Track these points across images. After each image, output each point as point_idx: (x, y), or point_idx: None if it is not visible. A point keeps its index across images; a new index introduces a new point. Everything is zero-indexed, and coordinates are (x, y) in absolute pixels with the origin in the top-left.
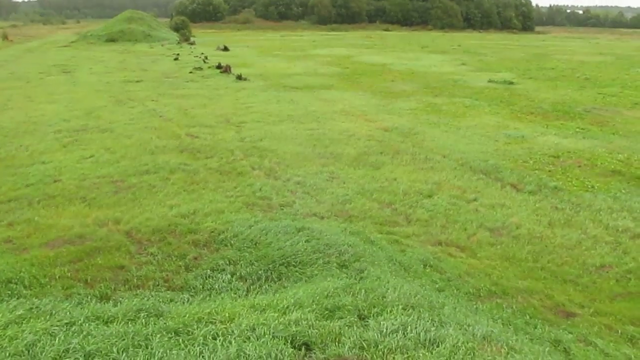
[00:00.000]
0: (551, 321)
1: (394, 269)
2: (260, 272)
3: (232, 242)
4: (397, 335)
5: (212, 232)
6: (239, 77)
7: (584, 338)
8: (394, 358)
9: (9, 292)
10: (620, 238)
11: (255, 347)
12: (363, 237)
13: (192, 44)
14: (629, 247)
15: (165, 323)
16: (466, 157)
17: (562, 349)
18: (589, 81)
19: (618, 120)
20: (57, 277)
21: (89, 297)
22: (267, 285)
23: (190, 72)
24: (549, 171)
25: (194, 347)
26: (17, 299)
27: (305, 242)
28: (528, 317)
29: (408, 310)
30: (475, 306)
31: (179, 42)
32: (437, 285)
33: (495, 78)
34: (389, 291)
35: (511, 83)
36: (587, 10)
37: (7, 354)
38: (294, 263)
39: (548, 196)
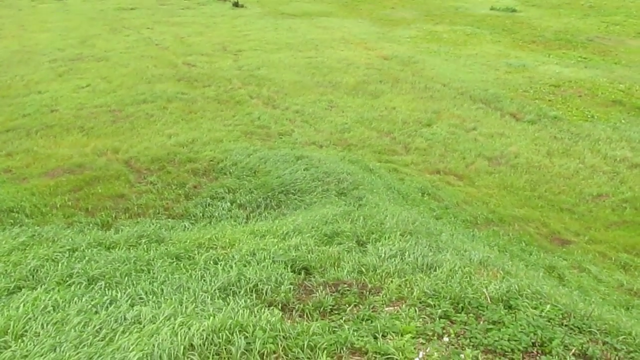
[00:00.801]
0: (546, 248)
1: (392, 196)
2: (259, 200)
3: (231, 170)
4: (395, 260)
5: (211, 160)
6: (236, 4)
7: (578, 265)
8: (391, 281)
9: (11, 221)
10: (617, 168)
11: (256, 271)
12: (362, 165)
13: None
14: (626, 176)
15: (166, 249)
16: (466, 86)
17: (557, 275)
18: (593, 9)
19: (621, 49)
20: (58, 206)
21: (91, 225)
22: (266, 213)
23: None
24: (549, 101)
25: (195, 271)
26: (20, 227)
27: (304, 170)
28: (524, 244)
29: (406, 237)
30: (472, 233)
31: None
32: (435, 213)
33: (497, 5)
34: (387, 218)
35: (514, 11)
36: None
37: (12, 279)
38: (293, 191)
39: (547, 126)
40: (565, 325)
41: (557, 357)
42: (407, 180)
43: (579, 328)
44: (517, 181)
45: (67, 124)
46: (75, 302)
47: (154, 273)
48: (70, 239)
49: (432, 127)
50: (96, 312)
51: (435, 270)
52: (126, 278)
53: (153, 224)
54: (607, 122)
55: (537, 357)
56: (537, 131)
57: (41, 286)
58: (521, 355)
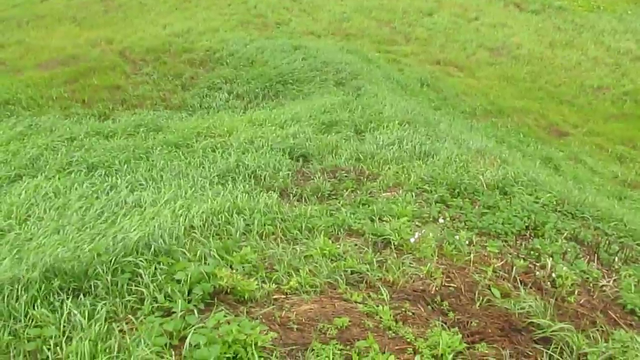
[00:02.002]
0: (544, 140)
1: (391, 87)
2: (257, 90)
3: (228, 60)
4: (392, 148)
5: (207, 51)
6: None
7: (574, 156)
8: (389, 168)
9: (8, 113)
10: (620, 60)
11: (254, 157)
12: (361, 55)
13: None
14: (629, 69)
15: (164, 137)
16: None
17: (553, 166)
18: None
19: None
20: (54, 97)
21: (88, 116)
22: (264, 103)
23: None
24: None
25: (194, 158)
26: (17, 118)
27: (302, 60)
28: (522, 135)
29: (404, 126)
30: (470, 124)
31: None
32: (433, 104)
33: None
34: (385, 107)
35: None
36: None
37: (12, 167)
38: (291, 81)
39: (551, 16)
40: (559, 211)
41: (549, 239)
42: (407, 71)
43: (572, 214)
44: (518, 72)
45: (59, 14)
46: (76, 189)
47: (152, 160)
48: (68, 129)
49: (433, 16)
50: (97, 198)
51: (432, 158)
52: (125, 165)
53: (150, 115)
54: (612, 13)
55: (530, 240)
56: (541, 22)
57: (41, 174)
58: (514, 237)
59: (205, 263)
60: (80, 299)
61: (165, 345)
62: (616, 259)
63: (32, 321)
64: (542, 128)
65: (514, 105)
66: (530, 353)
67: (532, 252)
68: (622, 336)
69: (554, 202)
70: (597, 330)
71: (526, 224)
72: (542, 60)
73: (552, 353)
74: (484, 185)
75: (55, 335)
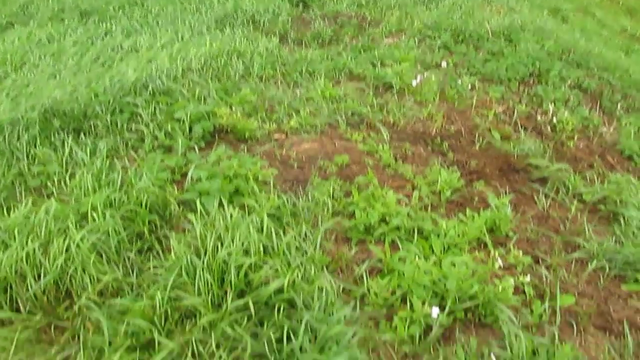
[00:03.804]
0: None
1: None
2: None
3: None
4: None
5: None
6: None
7: (583, 8)
8: (391, 14)
9: None
10: None
11: (252, 2)
12: None
13: None
14: None
15: None
16: None
17: (560, 17)
18: None
19: None
20: None
21: None
22: None
23: None
24: None
25: (190, 4)
26: None
27: None
28: None
29: None
30: None
31: None
32: None
33: None
34: None
35: None
36: None
37: (3, 15)
38: None
39: None
40: (564, 60)
41: (552, 86)
42: None
43: (577, 63)
44: None
45: None
46: (70, 35)
47: (147, 6)
48: None
49: None
50: (92, 44)
51: (436, 4)
52: (120, 11)
53: None
54: None
55: (533, 86)
56: None
57: (33, 22)
58: (517, 84)
59: (204, 103)
60: (81, 138)
61: (167, 180)
62: (618, 107)
63: (34, 160)
64: None
65: None
66: (527, 191)
67: (534, 98)
68: (618, 178)
69: (560, 51)
70: (594, 173)
71: (530, 71)
72: None
73: (548, 192)
74: (489, 32)
75: (58, 172)
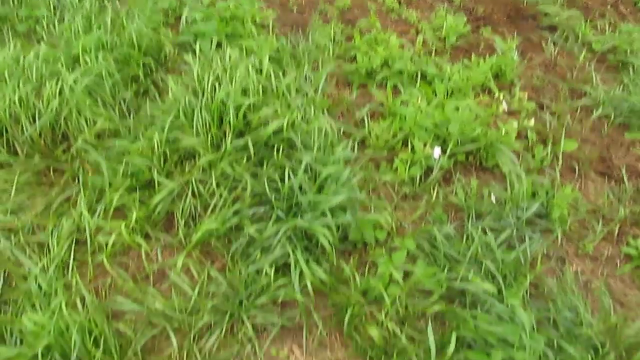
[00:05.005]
0: None
1: None
2: None
3: None
4: None
5: None
6: None
7: None
8: None
9: None
10: None
11: None
12: None
13: None
14: None
15: None
16: None
17: None
18: None
19: None
20: None
21: None
22: None
23: None
24: None
25: None
26: None
27: None
28: None
29: None
30: None
31: None
32: None
33: None
34: None
35: None
36: None
37: None
38: None
39: None
40: None
41: None
42: None
43: None
44: None
45: None
46: None
47: None
48: None
49: None
50: None
51: None
52: None
53: None
54: None
55: None
56: None
57: None
58: None
59: None
60: None
61: (161, 22)
62: None
63: (21, 4)
64: None
65: None
66: (535, 39)
67: None
68: (629, 28)
69: None
70: (605, 22)
71: None
72: None
73: (556, 40)
74: None
75: (47, 16)
